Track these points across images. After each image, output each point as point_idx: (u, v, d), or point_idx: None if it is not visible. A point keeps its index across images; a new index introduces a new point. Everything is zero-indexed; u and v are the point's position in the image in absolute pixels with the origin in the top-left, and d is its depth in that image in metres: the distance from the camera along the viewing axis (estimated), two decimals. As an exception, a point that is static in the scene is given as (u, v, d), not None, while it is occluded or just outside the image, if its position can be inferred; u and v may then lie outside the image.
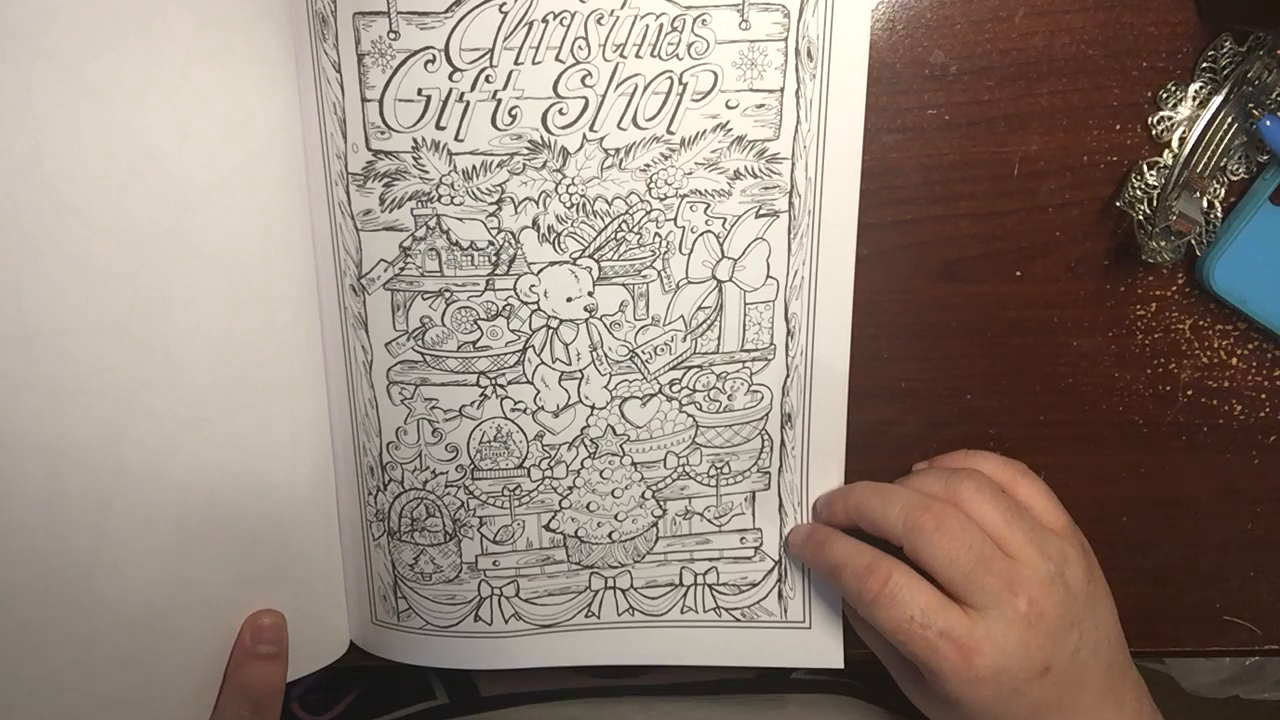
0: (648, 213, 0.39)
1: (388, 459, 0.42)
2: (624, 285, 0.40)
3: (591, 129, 0.38)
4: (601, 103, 0.37)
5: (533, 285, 0.39)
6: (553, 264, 0.39)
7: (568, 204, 0.39)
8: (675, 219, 0.39)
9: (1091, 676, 0.38)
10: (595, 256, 0.39)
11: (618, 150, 0.38)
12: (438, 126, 0.37)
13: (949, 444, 0.44)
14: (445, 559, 0.43)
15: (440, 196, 0.38)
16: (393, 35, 0.36)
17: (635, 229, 0.39)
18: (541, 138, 0.38)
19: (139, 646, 0.36)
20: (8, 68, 0.30)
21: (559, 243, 0.39)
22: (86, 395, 0.33)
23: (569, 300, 0.40)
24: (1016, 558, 0.37)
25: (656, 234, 0.39)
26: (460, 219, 0.38)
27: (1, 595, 0.32)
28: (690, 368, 0.41)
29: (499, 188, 0.38)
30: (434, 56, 0.36)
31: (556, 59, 0.37)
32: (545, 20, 0.36)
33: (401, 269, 0.39)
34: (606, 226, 0.39)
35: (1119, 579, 0.46)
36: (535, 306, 0.40)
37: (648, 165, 0.38)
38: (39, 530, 0.32)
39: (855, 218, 0.39)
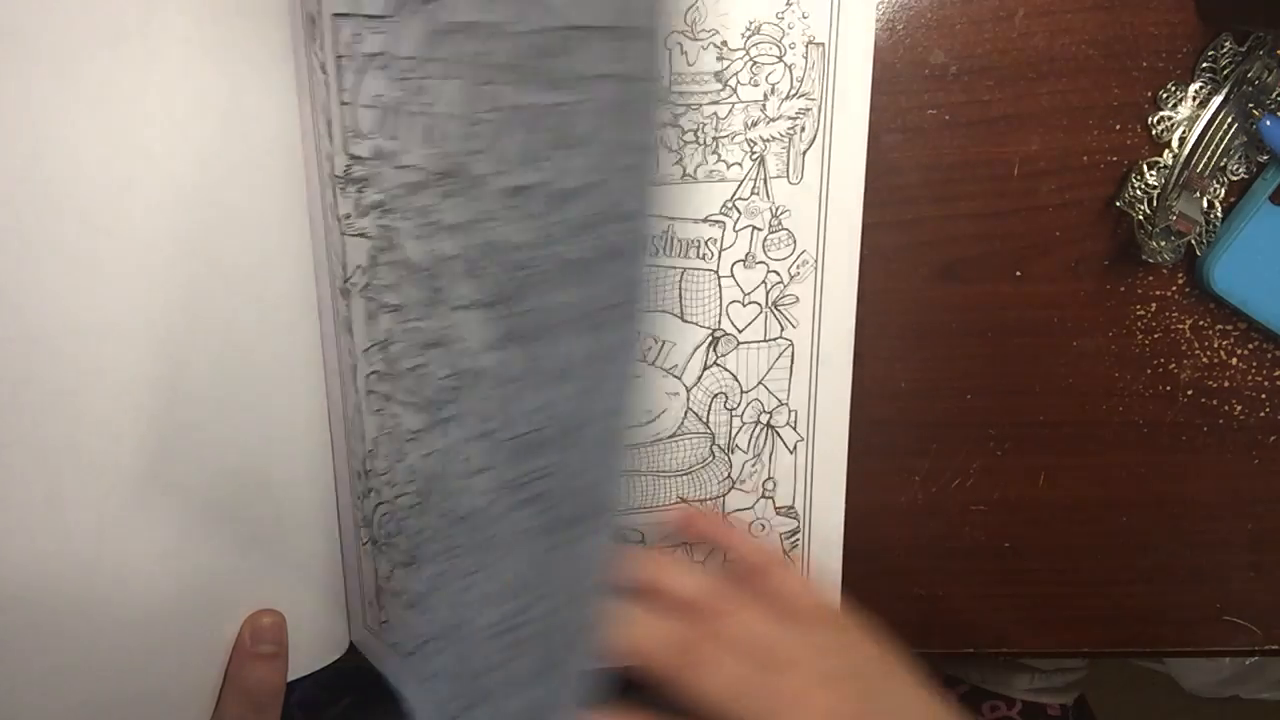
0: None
1: (369, 466, 0.41)
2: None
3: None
4: None
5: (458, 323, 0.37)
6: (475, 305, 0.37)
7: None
8: None
9: None
10: (505, 306, 0.36)
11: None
12: (390, 136, 0.36)
13: (949, 444, 0.44)
14: (407, 581, 0.42)
15: (394, 209, 0.37)
16: (356, 38, 0.35)
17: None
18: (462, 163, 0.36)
19: (138, 648, 0.36)
20: (5, 69, 0.30)
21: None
22: (85, 395, 0.33)
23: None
24: (795, 663, 0.36)
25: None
26: (408, 236, 0.37)
27: (1, 597, 0.32)
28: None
29: (431, 209, 0.36)
30: (385, 63, 0.36)
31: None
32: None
33: (372, 278, 0.38)
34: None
35: (1119, 579, 0.46)
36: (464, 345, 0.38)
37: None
38: (38, 533, 0.32)
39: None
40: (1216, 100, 0.38)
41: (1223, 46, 0.38)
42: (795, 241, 0.39)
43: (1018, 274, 0.42)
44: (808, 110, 0.38)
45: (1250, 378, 0.43)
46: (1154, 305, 0.42)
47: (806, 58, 0.37)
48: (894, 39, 0.39)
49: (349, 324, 0.39)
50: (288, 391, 0.39)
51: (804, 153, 0.38)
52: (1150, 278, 0.42)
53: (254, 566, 0.39)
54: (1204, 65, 0.39)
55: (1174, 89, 0.39)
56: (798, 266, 0.40)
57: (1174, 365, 0.43)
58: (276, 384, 0.38)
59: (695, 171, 0.38)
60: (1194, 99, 0.39)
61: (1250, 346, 0.42)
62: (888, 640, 0.38)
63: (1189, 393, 0.43)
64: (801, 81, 0.37)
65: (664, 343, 0.40)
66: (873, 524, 0.45)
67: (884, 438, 0.44)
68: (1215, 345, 0.43)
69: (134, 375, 0.34)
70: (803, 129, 0.38)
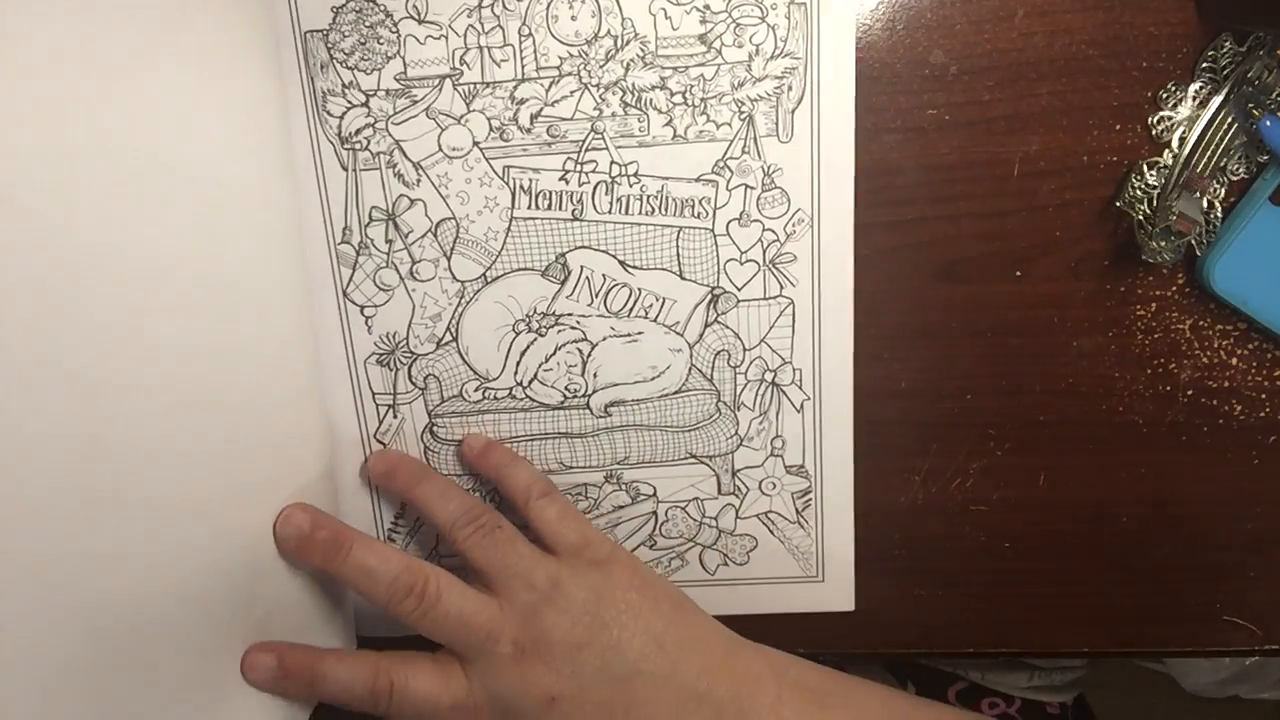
0: None
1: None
2: None
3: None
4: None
5: None
6: None
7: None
8: None
9: (651, 687, 0.37)
10: None
11: None
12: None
13: (949, 444, 0.44)
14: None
15: None
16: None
17: None
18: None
19: (145, 655, 0.35)
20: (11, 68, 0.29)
21: None
22: (82, 391, 0.33)
23: None
24: (501, 598, 0.38)
25: None
26: None
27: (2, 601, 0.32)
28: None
29: None
30: None
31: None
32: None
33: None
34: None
35: (1119, 579, 0.46)
36: None
37: None
38: (37, 541, 0.32)
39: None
40: (1216, 100, 0.38)
41: (1223, 46, 0.38)
42: (789, 200, 0.40)
43: (1018, 274, 0.42)
44: (794, 69, 0.38)
45: (1250, 378, 0.43)
46: (1154, 305, 0.42)
47: (789, 18, 0.38)
48: (894, 39, 0.39)
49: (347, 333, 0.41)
50: (297, 415, 0.39)
51: (792, 111, 0.38)
52: (1150, 278, 0.42)
53: (268, 576, 0.39)
54: (1204, 65, 0.39)
55: (1174, 89, 0.39)
56: (793, 225, 0.40)
57: (1174, 365, 0.43)
58: (285, 408, 0.39)
59: (686, 132, 0.39)
60: (1194, 99, 0.39)
61: (1250, 346, 0.42)
62: (654, 575, 0.40)
63: (1189, 393, 0.43)
64: (785, 41, 0.38)
65: (664, 299, 0.41)
66: (873, 524, 0.45)
67: (884, 438, 0.44)
68: (1215, 345, 0.43)
69: (130, 375, 0.34)
70: (790, 88, 0.38)
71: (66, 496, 0.31)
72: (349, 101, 0.38)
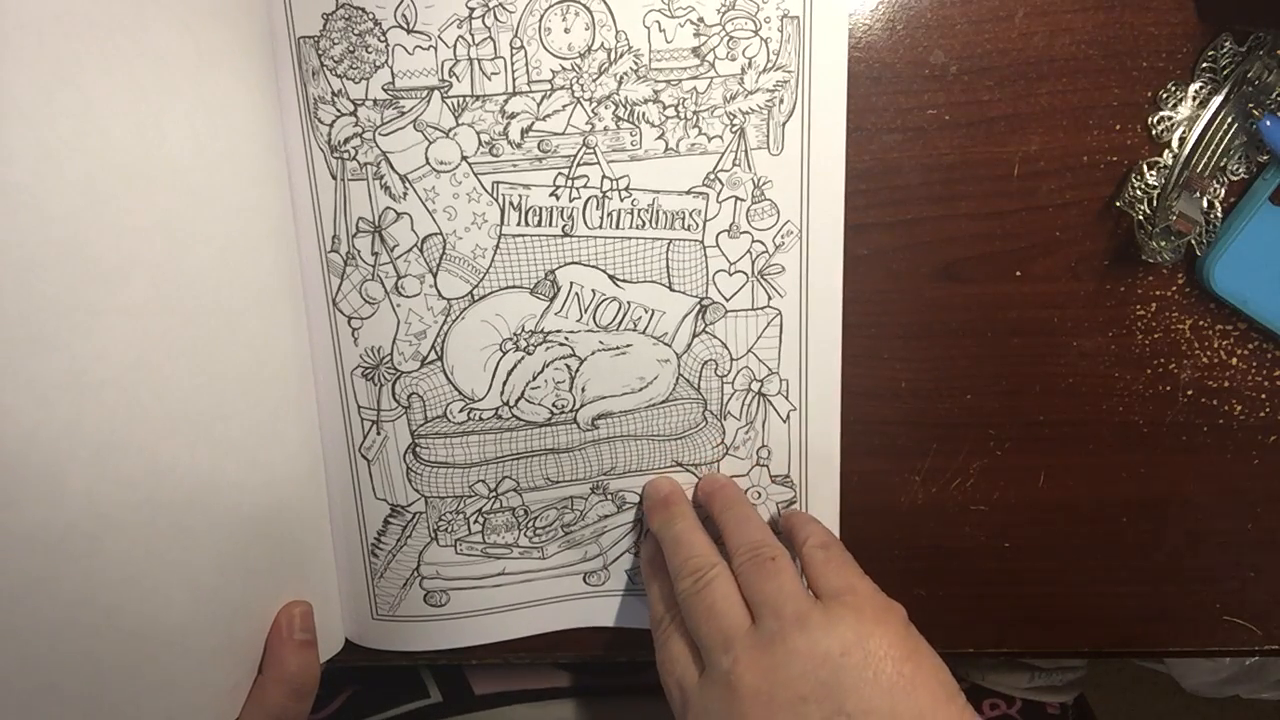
0: None
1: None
2: None
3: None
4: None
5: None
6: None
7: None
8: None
9: None
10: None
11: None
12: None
13: (949, 444, 0.44)
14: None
15: None
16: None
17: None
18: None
19: (142, 656, 0.35)
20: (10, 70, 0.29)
21: None
22: (82, 395, 0.33)
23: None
24: (754, 616, 0.35)
25: None
26: None
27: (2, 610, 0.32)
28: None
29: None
30: None
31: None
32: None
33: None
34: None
35: (1119, 579, 0.46)
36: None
37: None
38: (38, 547, 0.32)
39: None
40: (1216, 100, 0.38)
41: (1223, 46, 0.38)
42: (779, 212, 0.40)
43: (1018, 274, 0.42)
44: (785, 82, 0.38)
45: (1250, 378, 0.43)
46: (1154, 305, 0.42)
47: (782, 31, 0.38)
48: (894, 39, 0.39)
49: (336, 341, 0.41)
50: (284, 426, 0.39)
51: (783, 124, 0.39)
52: (1150, 278, 0.42)
53: (263, 580, 0.39)
54: (1204, 65, 0.39)
55: (1174, 89, 0.39)
56: (782, 236, 0.40)
57: (1174, 365, 0.43)
58: (275, 420, 0.39)
59: (677, 145, 0.39)
60: (1194, 99, 0.39)
61: (1250, 346, 0.42)
62: (927, 653, 0.35)
63: (1189, 393, 0.43)
64: (778, 54, 0.38)
65: (653, 311, 0.41)
66: (873, 524, 0.45)
67: (884, 438, 0.44)
68: (1215, 345, 0.43)
69: (129, 377, 0.34)
70: (781, 101, 0.38)
71: (54, 483, 0.31)
72: (338, 110, 0.37)
